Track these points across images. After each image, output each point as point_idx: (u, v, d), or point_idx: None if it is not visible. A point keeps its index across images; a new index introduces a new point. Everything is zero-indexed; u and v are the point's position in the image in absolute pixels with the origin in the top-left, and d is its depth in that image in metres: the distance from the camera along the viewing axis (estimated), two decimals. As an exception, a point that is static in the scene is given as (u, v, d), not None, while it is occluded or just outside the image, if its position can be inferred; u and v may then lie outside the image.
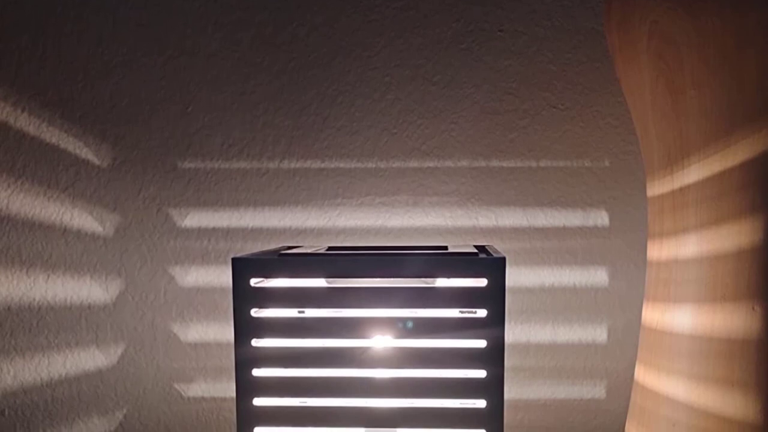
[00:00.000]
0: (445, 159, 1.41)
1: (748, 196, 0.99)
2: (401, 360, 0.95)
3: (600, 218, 1.40)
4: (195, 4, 1.41)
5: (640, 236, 1.39)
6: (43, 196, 1.43)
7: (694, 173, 1.02)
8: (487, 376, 0.94)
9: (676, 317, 1.05)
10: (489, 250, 1.06)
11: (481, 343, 0.93)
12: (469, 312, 0.94)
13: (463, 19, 1.40)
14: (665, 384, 1.07)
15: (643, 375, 1.13)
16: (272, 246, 1.32)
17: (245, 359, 0.96)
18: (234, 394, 0.96)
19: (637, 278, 1.39)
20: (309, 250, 1.07)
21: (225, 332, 1.44)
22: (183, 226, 1.43)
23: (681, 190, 1.04)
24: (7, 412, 1.46)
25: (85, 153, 1.43)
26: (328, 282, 0.96)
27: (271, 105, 1.42)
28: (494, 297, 0.92)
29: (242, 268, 0.94)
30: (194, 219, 1.43)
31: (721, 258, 1.01)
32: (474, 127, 1.40)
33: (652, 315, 1.11)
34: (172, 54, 1.42)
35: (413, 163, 1.41)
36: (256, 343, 0.96)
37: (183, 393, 1.46)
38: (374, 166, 1.41)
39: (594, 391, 1.43)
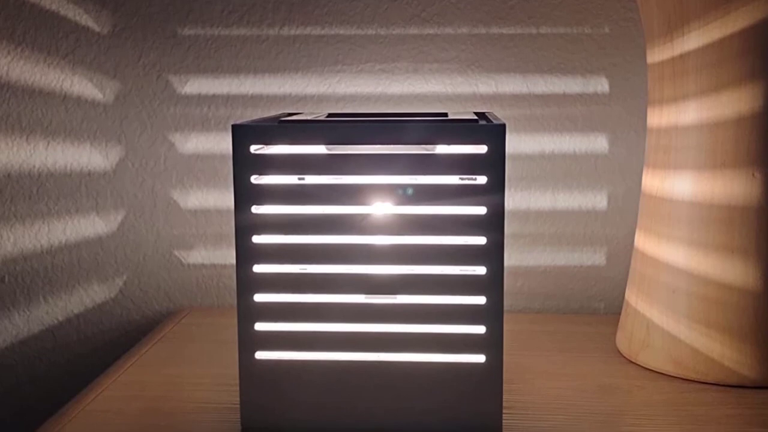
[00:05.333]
0: (444, 26, 1.40)
1: (747, 63, 0.99)
2: (401, 227, 0.96)
3: (600, 85, 1.39)
4: None
5: (640, 103, 1.38)
6: (43, 63, 1.42)
7: (693, 40, 1.02)
8: (487, 242, 0.94)
9: (676, 184, 1.06)
10: (489, 116, 1.06)
11: (481, 210, 0.93)
12: (469, 179, 0.94)
13: None
14: (665, 251, 1.08)
15: (643, 242, 1.14)
16: (272, 113, 1.31)
17: (245, 226, 0.96)
18: (234, 261, 0.96)
19: (637, 145, 1.39)
20: (309, 117, 1.06)
21: (225, 199, 1.45)
22: (183, 92, 1.43)
23: (681, 57, 1.04)
24: (7, 279, 1.47)
25: (85, 20, 1.42)
26: (328, 149, 0.96)
27: (269, -30, 1.40)
28: (494, 164, 0.92)
29: (242, 134, 0.94)
30: (194, 86, 1.43)
31: (721, 125, 1.01)
32: (474, -8, 1.39)
33: (652, 182, 1.11)
34: None
35: (413, 30, 1.40)
36: (256, 210, 0.96)
37: (183, 260, 1.47)
38: (374, 32, 1.41)
39: (594, 257, 1.44)
